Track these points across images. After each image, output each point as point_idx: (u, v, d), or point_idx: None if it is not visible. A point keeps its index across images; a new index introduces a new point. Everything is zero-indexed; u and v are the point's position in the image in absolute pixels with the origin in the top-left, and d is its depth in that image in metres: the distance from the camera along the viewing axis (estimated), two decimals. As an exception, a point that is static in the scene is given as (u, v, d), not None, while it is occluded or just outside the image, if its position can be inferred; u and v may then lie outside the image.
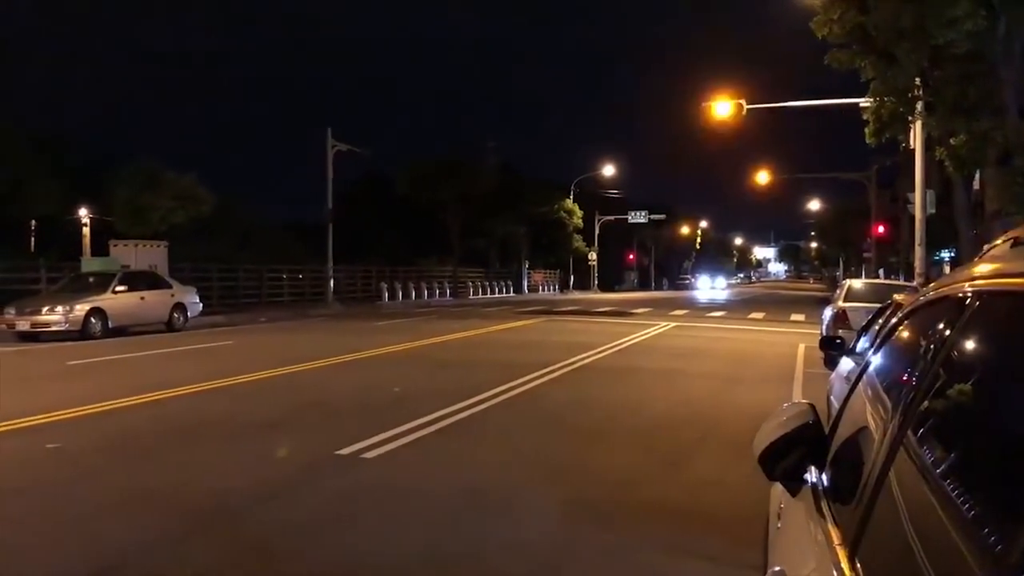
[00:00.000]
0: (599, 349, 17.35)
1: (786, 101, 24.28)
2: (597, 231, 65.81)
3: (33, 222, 36.81)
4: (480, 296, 49.84)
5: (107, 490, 6.46)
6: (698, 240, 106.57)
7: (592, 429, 9.18)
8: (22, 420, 8.90)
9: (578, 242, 62.06)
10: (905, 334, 2.28)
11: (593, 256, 65.13)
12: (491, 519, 5.83)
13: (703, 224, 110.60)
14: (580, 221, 60.98)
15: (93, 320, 19.56)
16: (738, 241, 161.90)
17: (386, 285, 41.02)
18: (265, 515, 5.84)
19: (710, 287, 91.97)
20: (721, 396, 11.62)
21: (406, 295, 41.86)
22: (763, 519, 3.14)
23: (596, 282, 66.32)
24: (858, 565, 1.53)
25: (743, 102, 23.14)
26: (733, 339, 21.75)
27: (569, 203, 60.13)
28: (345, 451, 7.61)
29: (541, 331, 23.30)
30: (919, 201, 20.93)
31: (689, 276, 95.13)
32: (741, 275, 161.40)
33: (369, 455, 7.52)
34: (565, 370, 13.95)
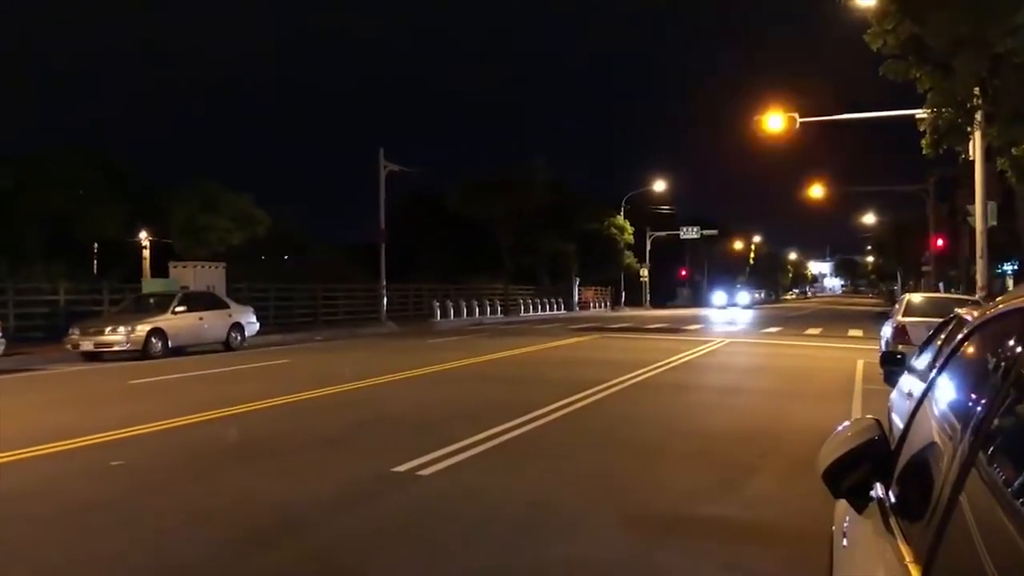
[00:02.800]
0: (654, 365, 17.23)
1: (840, 114, 23.94)
2: (648, 247, 65.42)
3: (96, 245, 37.73)
4: (531, 313, 49.74)
5: (170, 505, 6.60)
6: (752, 255, 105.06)
7: (649, 445, 9.13)
8: (86, 438, 9.13)
9: (629, 258, 61.65)
10: (972, 349, 2.23)
11: (645, 272, 64.71)
12: (548, 535, 5.82)
13: (756, 239, 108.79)
14: (631, 237, 60.56)
15: (154, 340, 19.98)
16: (792, 256, 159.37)
17: (438, 303, 41.16)
18: (325, 530, 5.90)
19: (724, 305, 70.60)
20: (779, 412, 11.46)
21: (458, 313, 41.92)
22: (824, 537, 3.10)
23: (648, 298, 65.84)
24: None
25: (796, 115, 22.89)
26: (789, 355, 21.45)
27: (619, 219, 59.81)
28: (402, 467, 7.66)
29: (595, 348, 23.24)
30: (979, 213, 20.49)
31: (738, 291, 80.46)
32: (796, 290, 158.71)
33: (426, 471, 7.57)
34: (621, 386, 13.88)
